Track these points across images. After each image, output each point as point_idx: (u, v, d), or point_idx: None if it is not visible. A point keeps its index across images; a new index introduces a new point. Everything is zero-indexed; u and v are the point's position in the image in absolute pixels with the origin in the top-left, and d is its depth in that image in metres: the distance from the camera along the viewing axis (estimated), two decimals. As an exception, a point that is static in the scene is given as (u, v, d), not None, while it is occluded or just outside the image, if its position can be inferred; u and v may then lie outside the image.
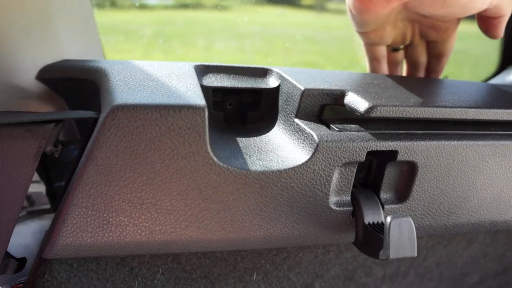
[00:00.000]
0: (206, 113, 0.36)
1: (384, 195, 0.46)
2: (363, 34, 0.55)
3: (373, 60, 0.61)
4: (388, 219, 0.39)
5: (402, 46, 0.61)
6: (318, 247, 0.53)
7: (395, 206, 0.46)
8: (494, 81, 0.79)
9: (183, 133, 0.36)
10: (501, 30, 0.54)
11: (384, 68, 0.63)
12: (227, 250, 0.46)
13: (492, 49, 0.84)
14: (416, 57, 0.62)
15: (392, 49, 0.62)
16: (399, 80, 0.54)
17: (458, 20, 0.56)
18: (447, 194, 0.48)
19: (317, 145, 0.40)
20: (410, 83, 0.53)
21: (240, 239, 0.42)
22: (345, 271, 0.58)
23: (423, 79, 0.59)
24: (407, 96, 0.46)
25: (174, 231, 0.39)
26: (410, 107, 0.42)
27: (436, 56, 0.61)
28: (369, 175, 0.47)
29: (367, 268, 0.60)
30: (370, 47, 0.60)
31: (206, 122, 0.36)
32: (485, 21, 0.53)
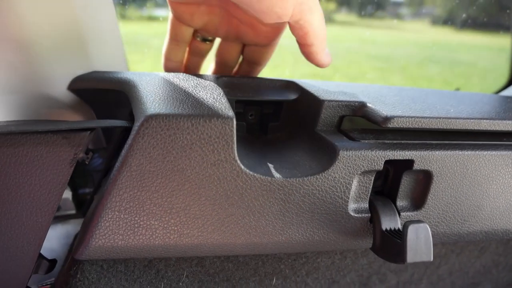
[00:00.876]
0: (234, 123, 0.38)
1: (400, 202, 0.48)
2: (173, 4, 0.49)
3: (173, 40, 0.53)
4: (406, 224, 0.41)
5: (211, 38, 0.55)
6: (335, 253, 0.55)
7: (411, 213, 0.48)
8: (505, 93, 0.81)
9: (212, 141, 0.38)
10: (320, 58, 0.48)
11: (180, 55, 0.55)
12: (250, 254, 0.48)
13: (500, 61, 0.86)
14: (227, 57, 0.56)
15: (202, 38, 0.54)
16: (414, 92, 0.56)
17: (278, 29, 0.51)
18: (461, 202, 0.50)
19: (338, 154, 0.42)
20: (425, 95, 0.55)
21: (263, 243, 0.44)
22: (360, 277, 0.59)
23: (437, 91, 0.61)
24: (422, 107, 0.48)
25: (201, 234, 0.41)
26: (426, 118, 0.44)
27: (250, 62, 0.55)
28: (386, 184, 0.49)
29: (381, 275, 0.61)
30: (176, 23, 0.52)
31: (234, 131, 0.38)
32: (300, 47, 0.48)
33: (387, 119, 0.43)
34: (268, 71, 0.59)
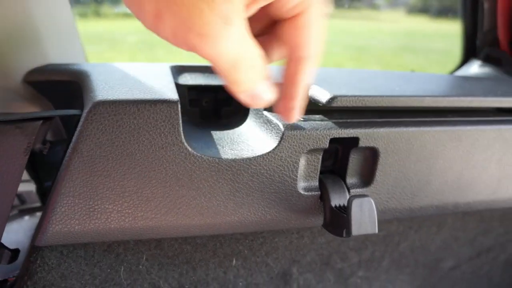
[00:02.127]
0: (179, 107, 0.40)
1: (350, 180, 0.50)
2: None
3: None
4: (350, 199, 0.43)
5: None
6: (292, 233, 0.57)
7: (360, 190, 0.50)
8: (459, 73, 0.84)
9: (158, 125, 0.40)
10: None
11: None
12: (205, 235, 0.49)
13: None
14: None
15: None
16: (364, 73, 0.58)
17: None
18: (409, 178, 0.52)
19: (283, 134, 0.43)
20: (374, 76, 0.57)
21: (217, 224, 0.46)
22: (321, 257, 0.61)
23: (389, 72, 0.63)
24: (368, 87, 0.50)
25: (155, 216, 0.43)
26: (369, 97, 0.46)
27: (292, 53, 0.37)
28: (336, 163, 0.51)
29: (342, 253, 0.63)
30: None
31: (179, 115, 0.40)
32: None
33: (331, 98, 0.45)
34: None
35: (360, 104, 0.46)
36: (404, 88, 0.53)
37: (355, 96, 0.46)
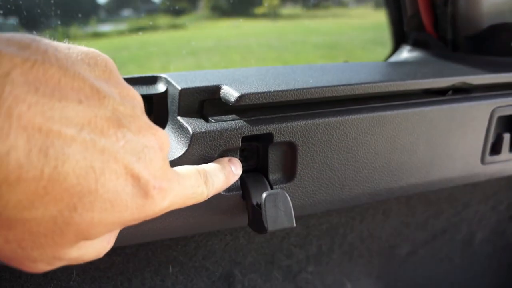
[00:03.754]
0: None
1: (273, 176, 0.50)
2: None
3: None
4: (264, 195, 0.43)
5: None
6: (225, 234, 0.57)
7: (284, 185, 0.50)
8: (393, 59, 0.85)
9: None
10: None
11: None
12: (133, 243, 0.49)
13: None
14: None
15: None
16: (282, 70, 0.58)
17: None
18: (334, 168, 0.52)
19: (192, 137, 0.43)
20: (292, 71, 0.58)
21: (140, 231, 0.45)
22: (263, 256, 0.61)
23: (310, 66, 0.63)
24: (281, 82, 0.50)
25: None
26: (277, 92, 0.47)
27: None
28: (258, 161, 0.51)
29: (286, 250, 0.63)
30: None
31: None
32: None
33: (238, 97, 0.45)
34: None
35: (269, 100, 0.47)
36: (320, 79, 0.53)
37: (263, 92, 0.46)
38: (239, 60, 4.39)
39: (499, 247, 0.95)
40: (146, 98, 0.53)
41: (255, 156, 0.51)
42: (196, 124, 0.45)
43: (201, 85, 0.48)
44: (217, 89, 0.48)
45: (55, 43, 0.25)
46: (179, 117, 0.48)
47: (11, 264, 0.25)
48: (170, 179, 0.29)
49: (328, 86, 0.49)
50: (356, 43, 5.49)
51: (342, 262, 0.72)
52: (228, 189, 0.48)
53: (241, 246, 0.58)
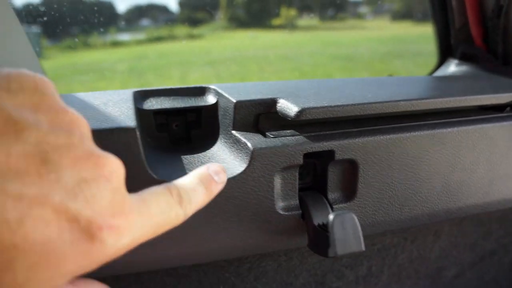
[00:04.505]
0: (137, 133, 0.37)
1: (331, 195, 0.47)
2: None
3: None
4: (331, 216, 0.40)
5: None
6: (279, 255, 0.54)
7: (344, 205, 0.47)
8: (438, 73, 0.82)
9: (119, 154, 0.37)
10: None
11: None
12: (187, 265, 0.46)
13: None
14: None
15: None
16: (334, 82, 0.55)
17: None
18: (394, 187, 0.49)
19: (252, 153, 0.41)
20: (345, 84, 0.55)
21: (196, 252, 0.43)
22: (314, 277, 0.58)
23: (363, 79, 0.61)
24: (339, 96, 0.47)
25: (132, 251, 0.40)
26: (339, 106, 0.44)
27: None
28: (316, 178, 0.48)
29: (336, 271, 0.60)
30: None
31: (139, 142, 0.37)
32: None
33: (299, 112, 0.42)
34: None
35: (330, 115, 0.44)
36: (378, 93, 0.50)
37: (324, 106, 0.43)
38: (257, 70, 4.39)
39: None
40: (195, 110, 0.50)
41: (312, 173, 0.48)
42: (255, 139, 0.43)
43: (257, 98, 0.46)
44: (273, 102, 0.46)
45: None
46: (233, 131, 0.45)
47: None
48: (125, 212, 0.24)
49: (390, 101, 0.47)
50: (373, 55, 5.47)
51: (390, 283, 0.69)
52: (287, 209, 0.45)
53: (294, 267, 0.56)
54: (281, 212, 0.44)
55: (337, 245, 0.40)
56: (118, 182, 0.23)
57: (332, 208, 0.46)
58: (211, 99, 0.50)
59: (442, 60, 0.83)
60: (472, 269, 0.80)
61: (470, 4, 0.73)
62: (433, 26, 0.82)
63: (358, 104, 0.44)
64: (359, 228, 0.41)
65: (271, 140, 0.42)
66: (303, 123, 0.47)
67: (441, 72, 0.81)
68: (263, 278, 0.54)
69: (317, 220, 0.44)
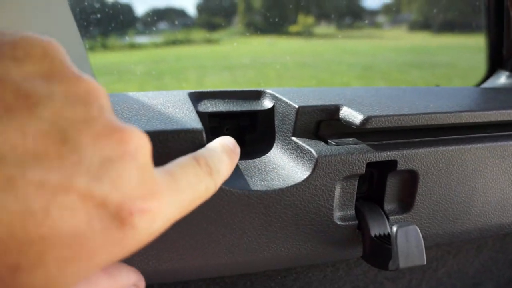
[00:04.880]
0: (204, 136, 0.36)
1: (388, 206, 0.46)
2: None
3: None
4: (394, 228, 0.39)
5: None
6: (327, 266, 0.52)
7: (400, 216, 0.46)
8: (486, 85, 0.81)
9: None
10: None
11: None
12: (235, 274, 0.46)
13: (479, 59, 0.86)
14: None
15: None
16: (391, 91, 0.54)
17: None
18: (450, 200, 0.48)
19: (317, 161, 0.40)
20: (403, 92, 0.54)
21: (248, 261, 0.42)
22: (356, 289, 0.57)
23: (416, 88, 0.60)
24: (400, 105, 0.47)
25: (181, 258, 0.39)
26: (405, 115, 0.43)
27: None
28: (372, 188, 0.47)
29: (378, 284, 0.59)
30: None
31: (205, 144, 0.37)
32: None
33: (365, 120, 0.41)
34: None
35: (396, 124, 0.43)
36: (438, 104, 0.49)
37: (389, 115, 0.42)
38: (275, 77, 4.39)
39: None
40: (250, 114, 0.50)
41: (367, 182, 0.47)
42: (318, 146, 0.42)
43: (319, 104, 0.45)
44: (336, 109, 0.45)
45: None
46: (294, 138, 0.44)
47: None
48: (156, 193, 0.21)
49: (453, 112, 0.46)
50: (391, 65, 5.44)
51: None
52: (344, 219, 0.44)
53: (339, 278, 0.54)
54: (338, 222, 0.43)
55: (400, 258, 0.39)
56: (145, 158, 0.21)
57: (388, 219, 0.45)
58: (267, 103, 0.49)
59: (491, 71, 0.81)
60: (508, 286, 0.78)
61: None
62: (485, 36, 0.81)
63: (423, 114, 0.43)
64: (422, 240, 0.40)
65: (335, 148, 0.41)
66: (365, 132, 0.46)
67: (490, 83, 0.80)
68: None
69: (374, 231, 0.43)
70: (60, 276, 0.18)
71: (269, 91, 0.50)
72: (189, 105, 0.43)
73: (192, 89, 0.51)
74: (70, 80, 0.20)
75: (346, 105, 0.44)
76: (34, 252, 0.17)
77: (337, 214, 0.43)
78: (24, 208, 0.17)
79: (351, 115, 0.43)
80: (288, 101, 0.46)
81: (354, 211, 0.45)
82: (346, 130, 0.46)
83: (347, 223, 0.44)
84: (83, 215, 0.18)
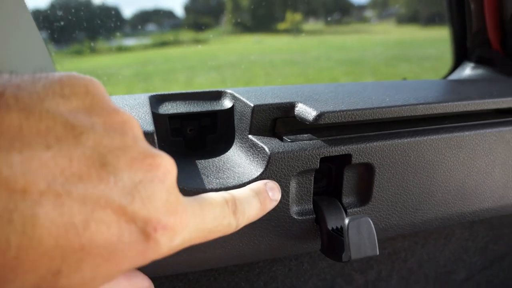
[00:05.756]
0: (155, 138, 0.37)
1: (346, 199, 0.48)
2: None
3: None
4: (347, 221, 0.40)
5: None
6: (290, 260, 0.54)
7: (358, 209, 0.47)
8: (453, 77, 0.82)
9: None
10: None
11: None
12: (197, 270, 0.47)
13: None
14: None
15: None
16: (352, 86, 0.55)
17: None
18: (409, 191, 0.49)
19: (269, 157, 0.41)
20: (363, 88, 0.55)
21: (207, 258, 0.43)
22: (323, 281, 0.58)
23: (379, 83, 0.61)
24: (357, 100, 0.48)
25: None
26: (358, 110, 0.44)
27: None
28: (330, 182, 0.48)
29: (346, 276, 0.60)
30: None
31: (156, 146, 0.38)
32: None
33: (318, 116, 0.42)
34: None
35: (349, 119, 0.44)
36: (395, 97, 0.50)
37: (342, 110, 0.43)
38: (262, 75, 4.39)
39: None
40: (211, 115, 0.51)
41: (326, 177, 0.49)
42: (272, 143, 0.43)
43: (275, 102, 0.46)
44: (291, 106, 0.46)
45: (18, 79, 0.21)
46: (250, 136, 0.45)
47: None
48: (179, 212, 0.24)
49: (407, 105, 0.47)
50: (379, 59, 5.46)
51: None
52: (301, 213, 0.45)
53: (304, 272, 0.56)
54: (295, 216, 0.44)
55: (351, 249, 0.40)
56: (172, 182, 0.24)
57: (346, 212, 0.47)
58: (227, 103, 0.50)
59: (457, 63, 0.83)
60: (481, 273, 0.80)
61: (489, 8, 0.73)
62: (449, 29, 0.82)
63: (376, 108, 0.45)
64: (374, 232, 0.41)
65: (288, 144, 0.43)
66: (320, 127, 0.47)
67: (456, 75, 0.81)
68: (272, 283, 0.54)
69: (331, 224, 0.44)
70: (92, 279, 0.21)
71: (229, 91, 0.51)
72: (146, 108, 0.44)
73: (180, 89, 0.52)
74: (109, 113, 0.23)
75: (301, 102, 0.46)
76: (74, 260, 0.20)
77: (294, 208, 0.45)
78: (68, 221, 0.19)
79: (305, 111, 0.44)
80: (245, 100, 0.47)
81: (312, 206, 0.46)
82: (301, 126, 0.47)
83: (304, 217, 0.45)
84: (115, 229, 0.21)
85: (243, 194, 0.32)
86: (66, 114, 0.21)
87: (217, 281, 0.51)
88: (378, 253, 0.41)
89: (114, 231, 0.21)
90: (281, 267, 0.53)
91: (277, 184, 0.37)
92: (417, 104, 0.47)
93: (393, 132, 0.48)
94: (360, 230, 0.41)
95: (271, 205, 0.35)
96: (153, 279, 0.48)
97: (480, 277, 0.81)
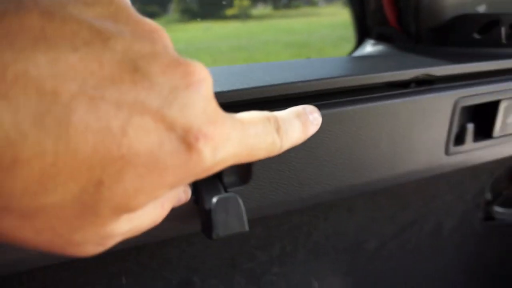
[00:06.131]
0: None
1: (227, 179, 0.48)
2: None
3: None
4: (214, 200, 0.41)
5: None
6: (180, 241, 0.54)
7: (239, 188, 0.48)
8: (355, 54, 0.84)
9: None
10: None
11: None
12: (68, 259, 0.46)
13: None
14: None
15: None
16: (241, 68, 0.56)
17: None
18: (293, 167, 0.51)
19: None
20: (250, 69, 0.56)
21: None
22: (223, 260, 0.59)
23: (274, 63, 0.61)
24: (236, 81, 0.48)
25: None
26: (231, 91, 0.45)
27: None
28: None
29: (247, 254, 0.62)
30: None
31: None
32: None
33: None
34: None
35: (223, 100, 0.45)
36: (281, 76, 0.51)
37: (229, 91, 0.44)
38: (210, 62, 4.37)
39: (467, 235, 0.95)
40: None
41: None
42: None
43: None
44: None
45: None
46: None
47: (55, 252, 0.21)
48: (219, 122, 0.22)
49: (284, 84, 0.48)
50: (327, 41, 5.53)
51: (308, 261, 0.71)
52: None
53: (198, 252, 0.56)
54: None
55: (219, 227, 0.41)
56: (208, 91, 0.22)
57: (226, 191, 0.47)
58: None
59: (360, 41, 0.85)
60: (393, 240, 0.84)
61: (384, -14, 0.76)
62: (349, 9, 0.84)
63: (250, 88, 0.45)
64: (242, 208, 0.42)
65: None
66: None
67: (358, 52, 0.84)
68: (167, 266, 0.55)
69: (208, 205, 0.45)
70: (136, 192, 0.20)
71: None
72: None
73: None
74: (136, 22, 0.22)
75: None
76: (115, 169, 0.19)
77: None
78: (105, 127, 0.18)
79: None
80: None
81: (191, 187, 0.46)
82: None
83: None
84: (155, 136, 0.20)
85: (285, 114, 0.30)
86: (90, 19, 0.20)
87: (106, 267, 0.51)
88: (247, 229, 0.42)
89: (154, 139, 0.20)
90: (173, 249, 0.54)
91: (317, 109, 0.35)
92: (295, 82, 0.48)
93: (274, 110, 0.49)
94: (227, 208, 0.42)
95: (312, 128, 0.33)
96: (22, 273, 0.48)
97: (392, 244, 0.85)
